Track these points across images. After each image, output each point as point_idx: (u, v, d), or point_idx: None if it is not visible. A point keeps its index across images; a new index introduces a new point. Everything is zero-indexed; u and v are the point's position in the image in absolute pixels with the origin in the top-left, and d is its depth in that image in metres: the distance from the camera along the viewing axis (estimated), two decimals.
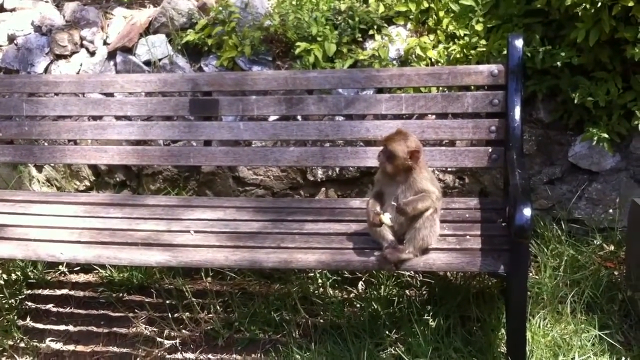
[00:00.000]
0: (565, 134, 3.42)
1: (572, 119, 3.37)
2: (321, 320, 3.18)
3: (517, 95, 3.01)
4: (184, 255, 2.83)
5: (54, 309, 3.53)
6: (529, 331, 2.79)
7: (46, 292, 3.68)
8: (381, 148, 2.69)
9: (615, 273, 3.18)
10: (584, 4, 2.96)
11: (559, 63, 3.23)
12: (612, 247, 3.30)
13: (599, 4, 2.95)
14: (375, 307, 3.14)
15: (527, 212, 2.39)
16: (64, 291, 3.67)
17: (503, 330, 2.89)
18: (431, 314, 3.03)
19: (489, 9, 3.52)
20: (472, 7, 3.54)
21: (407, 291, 3.27)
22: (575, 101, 3.21)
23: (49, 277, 3.76)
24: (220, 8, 3.87)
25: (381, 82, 3.24)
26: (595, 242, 3.31)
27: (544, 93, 3.39)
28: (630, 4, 2.94)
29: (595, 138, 3.23)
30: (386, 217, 2.66)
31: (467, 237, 2.82)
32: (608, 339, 2.81)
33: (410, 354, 2.82)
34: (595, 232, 3.34)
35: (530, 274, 3.16)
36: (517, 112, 2.99)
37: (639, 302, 2.92)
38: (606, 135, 3.23)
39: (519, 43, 3.03)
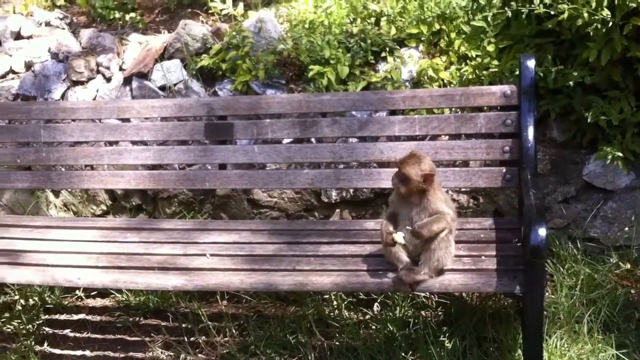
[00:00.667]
0: (579, 153, 3.42)
1: (586, 137, 3.37)
2: (337, 343, 3.17)
3: (530, 115, 3.02)
4: (200, 279, 2.85)
5: (71, 334, 3.55)
6: (545, 351, 2.77)
7: (63, 317, 3.70)
8: (395, 170, 2.70)
9: (632, 291, 3.16)
10: (595, 24, 2.97)
11: (571, 82, 3.24)
12: (628, 266, 3.28)
13: (610, 23, 2.96)
14: (391, 328, 3.13)
15: (542, 232, 2.39)
16: (81, 316, 3.68)
17: (520, 351, 2.88)
18: (447, 335, 3.02)
19: (500, 29, 3.53)
20: (484, 28, 3.55)
21: (422, 312, 3.26)
22: (589, 120, 3.21)
23: (66, 302, 3.78)
24: (234, 33, 3.92)
25: (394, 104, 3.26)
26: (611, 260, 3.29)
27: (557, 112, 3.39)
28: None
29: (610, 157, 3.23)
30: (399, 236, 2.67)
31: (483, 257, 2.82)
32: (625, 359, 2.78)
33: None
34: (611, 250, 3.33)
35: (547, 294, 3.15)
36: (530, 132, 3.00)
37: None
38: (620, 154, 3.22)
39: (531, 63, 3.03)
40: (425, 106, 3.25)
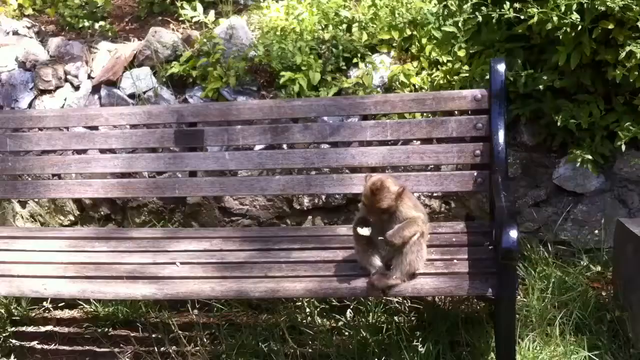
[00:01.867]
0: (549, 157, 3.43)
1: (556, 141, 3.39)
2: (310, 350, 3.13)
3: (501, 119, 3.02)
4: (170, 288, 2.81)
5: (39, 346, 3.47)
6: (518, 354, 2.76)
7: (30, 329, 3.62)
8: (370, 207, 2.63)
9: (603, 293, 3.17)
10: (564, 28, 2.99)
11: (541, 86, 3.25)
12: (599, 268, 3.29)
13: (580, 27, 2.98)
14: (364, 334, 3.11)
15: (514, 234, 2.38)
16: (49, 327, 3.61)
17: (493, 354, 2.86)
18: (420, 339, 3.00)
19: (471, 35, 3.55)
20: (454, 33, 3.57)
21: (395, 317, 3.24)
22: (559, 124, 3.23)
23: (33, 314, 3.71)
24: (205, 40, 3.90)
25: (366, 109, 3.25)
26: (582, 263, 3.30)
27: (527, 116, 3.41)
28: (610, 26, 2.98)
29: (579, 160, 3.24)
30: (364, 230, 2.65)
31: (455, 261, 2.81)
32: None
33: None
34: (581, 253, 3.34)
35: (519, 297, 3.14)
36: (501, 136, 3.00)
37: (627, 322, 2.90)
38: (590, 157, 3.24)
39: (501, 67, 3.05)
40: (397, 111, 3.25)
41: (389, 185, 2.61)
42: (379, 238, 2.66)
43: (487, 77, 3.21)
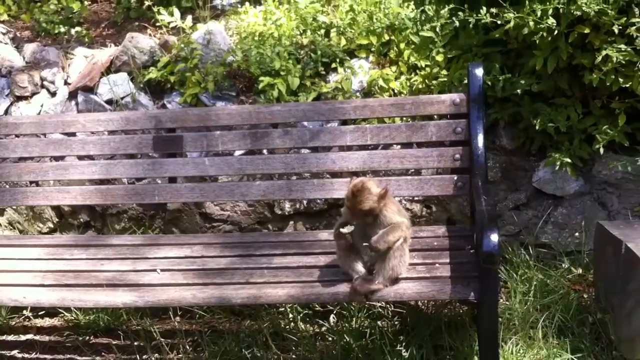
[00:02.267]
0: (528, 160, 3.46)
1: (535, 145, 3.42)
2: (293, 356, 3.12)
3: (480, 123, 3.03)
4: (151, 295, 2.79)
5: (19, 355, 3.42)
6: (502, 357, 2.77)
7: (10, 337, 3.57)
8: (352, 209, 2.63)
9: (585, 296, 3.19)
10: (541, 32, 3.01)
11: (519, 90, 3.27)
12: (580, 270, 3.31)
13: (556, 31, 3.01)
14: (348, 339, 3.10)
15: (495, 238, 2.39)
16: (29, 336, 3.57)
17: (476, 358, 2.87)
18: (404, 344, 3.01)
19: (449, 39, 3.57)
20: (432, 38, 3.58)
21: (379, 322, 3.24)
22: (537, 127, 3.25)
23: (13, 323, 3.66)
24: (182, 45, 3.88)
25: (345, 114, 3.24)
26: (563, 265, 3.32)
27: (506, 121, 3.43)
28: (587, 30, 3.00)
29: (558, 163, 3.27)
30: (347, 228, 2.64)
31: (437, 265, 2.82)
32: None
33: None
34: (562, 255, 3.36)
35: (501, 300, 3.16)
36: (480, 140, 3.01)
37: (609, 324, 2.93)
38: (569, 160, 3.27)
39: (479, 72, 3.06)
40: (376, 115, 3.25)
41: (371, 186, 2.61)
42: (363, 244, 2.66)
43: (465, 81, 3.22)
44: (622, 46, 2.98)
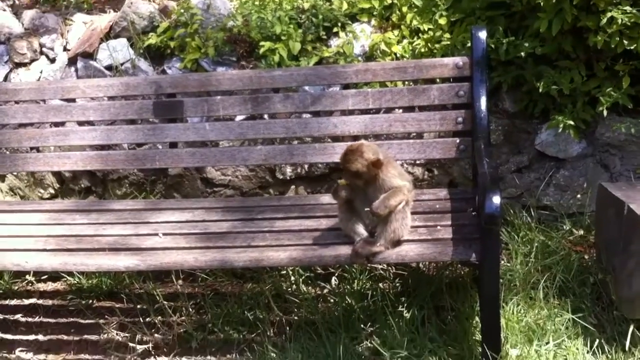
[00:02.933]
0: (531, 123, 3.44)
1: (538, 108, 3.40)
2: (295, 318, 3.14)
3: (483, 86, 3.02)
4: (153, 259, 2.79)
5: (23, 319, 3.45)
6: (503, 318, 2.78)
7: (14, 302, 3.59)
8: (341, 165, 2.66)
9: (586, 257, 3.20)
10: None
11: (522, 53, 3.25)
12: (581, 232, 3.32)
13: None
14: (350, 301, 3.12)
15: (497, 199, 2.39)
16: (32, 300, 3.58)
17: (477, 318, 2.88)
18: (405, 305, 3.02)
19: (452, 2, 3.54)
20: (435, 1, 3.55)
21: (380, 284, 3.25)
22: (540, 90, 3.24)
23: (16, 287, 3.67)
24: (182, 10, 3.84)
25: (347, 78, 3.22)
26: (564, 227, 3.32)
27: (509, 84, 3.41)
28: None
29: (561, 125, 3.25)
30: (342, 180, 2.67)
31: (438, 227, 2.82)
32: (581, 322, 2.81)
33: (386, 347, 2.80)
34: (564, 217, 3.36)
35: (502, 262, 3.16)
36: (483, 103, 3.00)
37: (610, 285, 2.94)
38: (572, 122, 3.25)
39: (483, 35, 3.03)
40: (378, 79, 3.23)
41: (365, 151, 2.61)
42: (365, 209, 2.66)
43: (469, 45, 3.20)
44: (627, 8, 2.96)
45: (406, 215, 2.67)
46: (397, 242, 2.66)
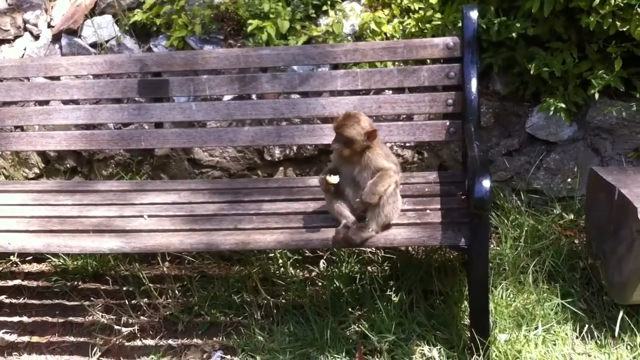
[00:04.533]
0: (521, 106, 3.41)
1: (529, 90, 3.36)
2: (283, 301, 3.12)
3: (473, 67, 2.98)
4: (138, 241, 2.76)
5: (7, 300, 3.42)
6: (491, 302, 2.77)
7: None
8: (335, 135, 2.62)
9: (576, 241, 3.18)
10: None
11: (514, 34, 3.21)
12: (571, 216, 3.30)
13: None
14: (337, 284, 3.10)
15: (486, 184, 2.36)
16: (17, 282, 3.55)
17: (466, 303, 2.87)
18: (393, 289, 3.01)
19: None
20: None
21: (369, 268, 3.23)
22: (531, 72, 3.20)
23: (1, 268, 3.64)
24: None
25: (336, 58, 3.17)
26: (554, 211, 3.30)
27: (500, 65, 3.36)
28: None
29: (552, 108, 3.22)
30: (333, 178, 2.62)
31: (427, 211, 2.79)
32: (571, 307, 2.80)
33: (374, 330, 2.79)
34: (554, 201, 3.34)
35: (491, 246, 3.15)
36: (473, 85, 2.96)
37: (599, 270, 2.93)
38: (563, 105, 3.22)
39: (474, 14, 2.99)
40: (368, 59, 3.17)
41: (362, 119, 2.59)
42: (356, 200, 2.63)
43: (460, 24, 3.15)
44: None
45: (397, 199, 2.65)
46: (387, 226, 2.64)
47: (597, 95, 3.14)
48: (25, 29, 4.02)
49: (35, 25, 3.99)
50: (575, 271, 3.02)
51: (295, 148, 3.60)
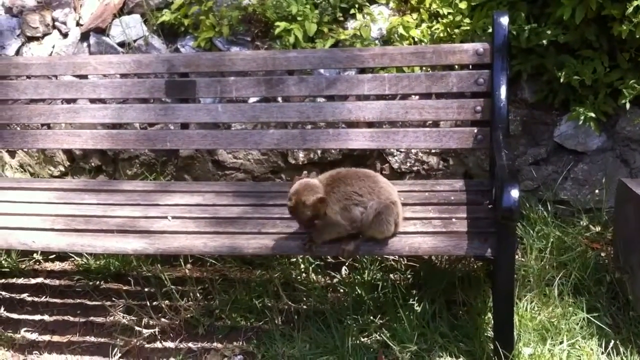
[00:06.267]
0: (550, 114, 3.36)
1: (558, 98, 3.32)
2: (304, 307, 3.10)
3: (503, 74, 2.94)
4: (161, 242, 2.75)
5: (29, 299, 3.42)
6: (516, 315, 2.73)
7: (20, 281, 3.57)
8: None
9: (602, 254, 3.13)
10: None
11: (544, 41, 3.17)
12: (598, 228, 3.25)
13: None
14: (359, 292, 3.07)
15: (515, 193, 2.32)
16: (39, 280, 3.56)
17: (490, 314, 2.84)
18: (416, 298, 2.97)
19: None
20: None
21: (391, 275, 3.20)
22: (561, 80, 3.16)
23: (23, 266, 3.65)
24: None
25: (363, 62, 3.15)
26: (581, 223, 3.26)
27: (529, 73, 3.32)
28: None
29: (582, 117, 3.18)
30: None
31: (453, 220, 2.76)
32: (596, 322, 2.76)
33: (396, 340, 2.76)
34: (581, 213, 3.29)
35: (517, 257, 3.10)
36: (503, 92, 2.92)
37: (627, 284, 2.88)
38: (593, 115, 3.18)
39: (505, 20, 2.96)
40: (396, 64, 3.15)
41: (305, 199, 2.52)
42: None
43: (489, 30, 3.12)
44: None
45: (382, 221, 2.57)
46: (393, 235, 2.61)
47: (627, 105, 3.10)
48: (54, 27, 4.04)
49: (64, 23, 4.01)
50: (602, 285, 2.96)
51: (319, 152, 3.58)
